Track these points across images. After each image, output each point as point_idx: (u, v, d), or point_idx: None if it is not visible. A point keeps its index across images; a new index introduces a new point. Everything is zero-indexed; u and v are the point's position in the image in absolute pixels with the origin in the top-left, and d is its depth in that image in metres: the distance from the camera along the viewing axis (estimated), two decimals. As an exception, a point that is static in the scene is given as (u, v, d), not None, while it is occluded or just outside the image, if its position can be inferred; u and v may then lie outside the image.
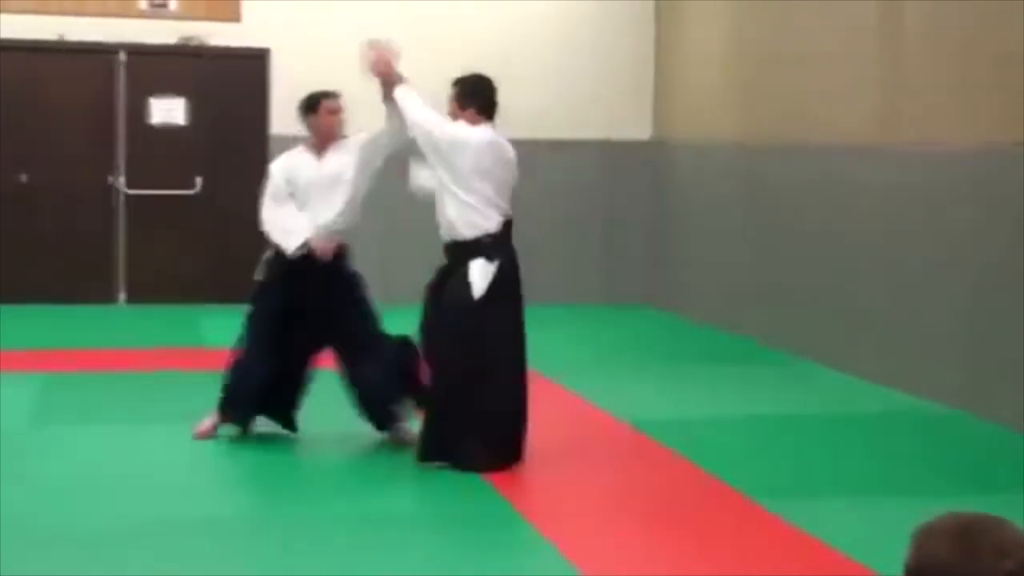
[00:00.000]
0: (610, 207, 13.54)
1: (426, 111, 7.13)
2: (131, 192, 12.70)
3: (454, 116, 7.13)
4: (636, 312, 13.03)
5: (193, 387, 8.91)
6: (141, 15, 12.56)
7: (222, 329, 11.37)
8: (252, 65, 12.78)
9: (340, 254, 7.46)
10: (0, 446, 7.15)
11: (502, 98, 13.12)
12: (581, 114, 13.39)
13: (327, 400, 7.63)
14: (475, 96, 7.16)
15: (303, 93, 12.61)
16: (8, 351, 9.86)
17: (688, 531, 5.99)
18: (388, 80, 7.20)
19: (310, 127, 7.63)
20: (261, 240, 12.81)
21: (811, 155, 10.49)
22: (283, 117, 12.75)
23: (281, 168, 7.61)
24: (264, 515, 6.23)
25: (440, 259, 7.25)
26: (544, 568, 5.47)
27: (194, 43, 12.65)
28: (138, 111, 12.70)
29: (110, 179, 12.67)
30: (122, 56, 12.62)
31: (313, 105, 7.80)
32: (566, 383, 9.29)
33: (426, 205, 7.33)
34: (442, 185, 6.98)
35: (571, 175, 13.41)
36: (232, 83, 12.85)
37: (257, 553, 5.58)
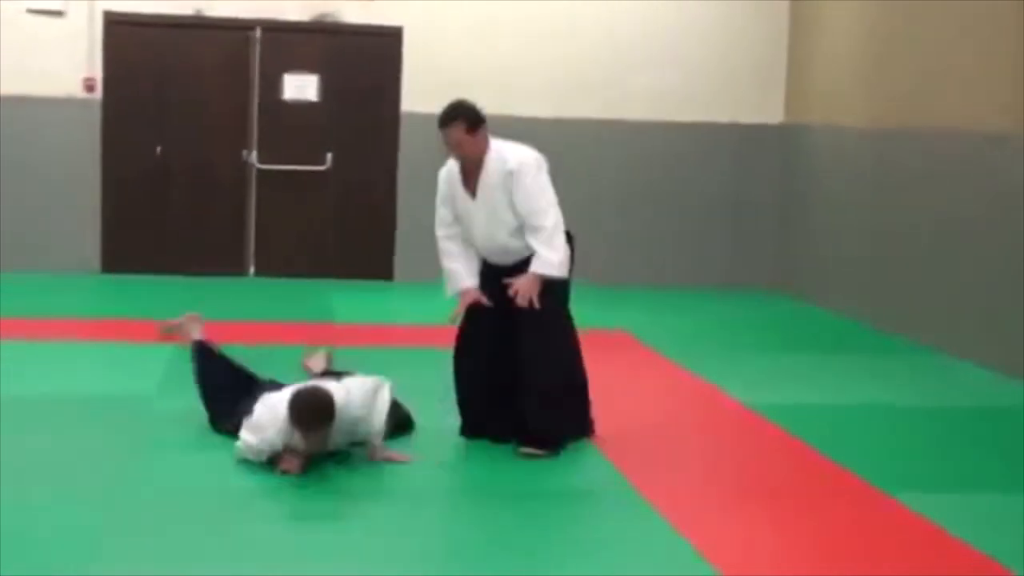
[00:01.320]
0: (739, 191, 13.44)
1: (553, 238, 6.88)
2: (263, 167, 12.87)
3: (465, 145, 6.86)
4: (763, 297, 12.94)
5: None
6: (277, -8, 12.72)
7: (349, 304, 11.55)
8: (385, 43, 12.87)
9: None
10: (127, 414, 7.32)
11: (633, 79, 13.16)
12: (711, 97, 13.29)
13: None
14: (477, 117, 6.95)
15: (434, 71, 12.83)
16: (139, 321, 10.03)
17: (805, 513, 5.96)
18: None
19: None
20: (387, 217, 13.00)
21: (943, 141, 10.31)
22: (414, 95, 12.88)
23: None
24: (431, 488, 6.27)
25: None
26: (661, 546, 5.46)
27: (328, 20, 12.77)
28: (272, 87, 12.85)
29: (243, 153, 12.84)
30: (257, 32, 12.77)
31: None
32: (689, 365, 9.25)
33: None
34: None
35: (700, 158, 13.33)
36: (364, 60, 12.95)
37: (428, 520, 5.64)
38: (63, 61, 12.47)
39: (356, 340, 9.93)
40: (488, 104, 12.87)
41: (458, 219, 6.95)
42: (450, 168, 6.99)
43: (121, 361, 8.88)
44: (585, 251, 13.16)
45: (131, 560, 5.13)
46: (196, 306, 11.14)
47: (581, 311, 11.58)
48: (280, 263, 12.93)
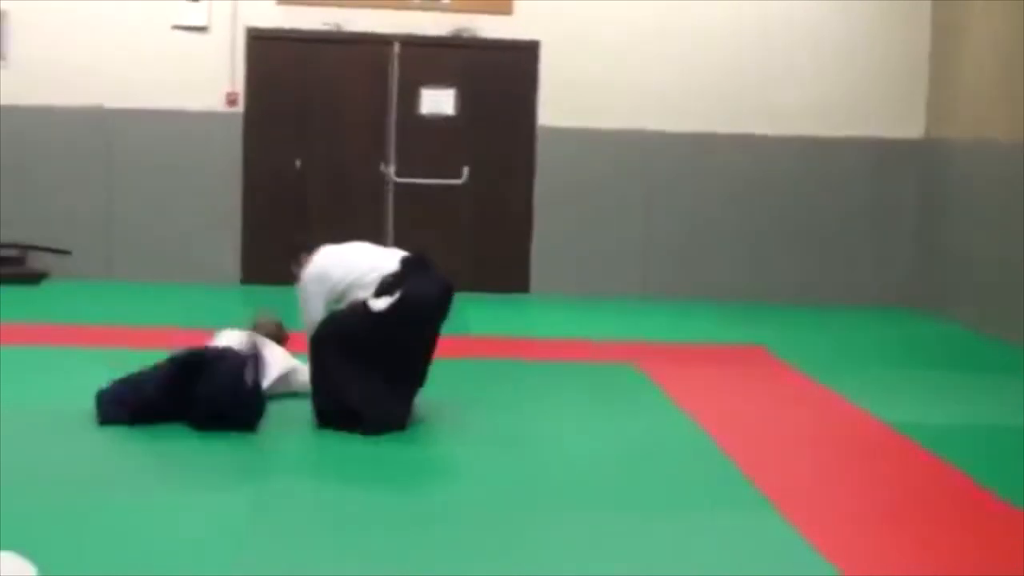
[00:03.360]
0: (877, 207, 13.23)
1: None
2: (400, 180, 12.97)
3: None
4: (902, 314, 12.73)
5: (458, 373, 9.06)
6: (416, 7, 12.81)
7: (485, 318, 11.58)
8: (522, 57, 12.90)
9: None
10: (282, 417, 7.41)
11: (767, 93, 13.01)
12: (848, 111, 13.10)
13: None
14: None
15: (572, 85, 12.84)
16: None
17: (946, 534, 5.83)
18: None
19: None
20: (523, 230, 13.03)
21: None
22: (551, 109, 12.90)
23: None
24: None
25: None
26: (790, 555, 5.39)
27: (466, 35, 12.83)
28: (409, 101, 12.95)
29: (381, 167, 12.96)
30: (396, 47, 12.88)
31: None
32: (827, 382, 9.12)
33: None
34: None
35: (837, 174, 13.15)
36: (502, 74, 12.99)
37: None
38: (206, 76, 12.69)
39: (492, 352, 9.95)
40: (621, 118, 13.00)
41: None
42: None
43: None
44: (715, 267, 13.15)
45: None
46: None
47: (715, 327, 11.57)
48: (416, 276, 12.99)
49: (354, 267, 7.37)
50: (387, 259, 7.39)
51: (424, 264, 7.48)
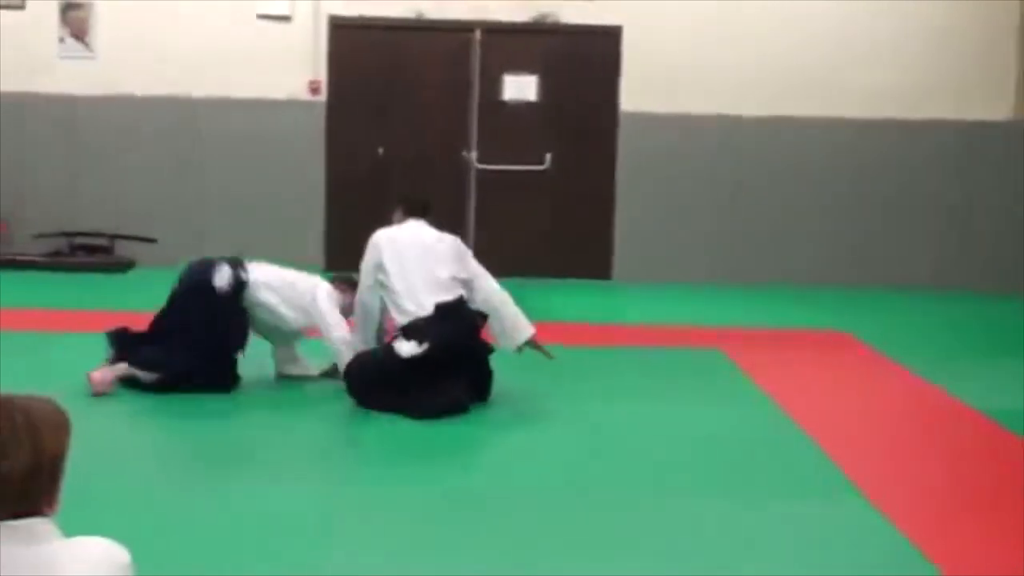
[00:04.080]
0: (962, 190, 13.05)
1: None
2: (482, 167, 12.97)
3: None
4: (989, 299, 12.55)
5: (538, 360, 9.04)
6: (497, -7, 12.82)
7: (568, 304, 11.57)
8: (604, 42, 12.86)
9: None
10: (354, 409, 7.44)
11: (850, 76, 12.86)
12: (934, 93, 12.93)
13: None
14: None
15: (655, 70, 12.78)
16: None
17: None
18: None
19: None
20: (606, 216, 12.99)
21: None
22: (634, 95, 12.85)
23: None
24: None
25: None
26: (883, 544, 5.33)
27: (548, 21, 12.81)
28: (492, 87, 12.95)
29: (463, 153, 12.97)
30: (478, 34, 12.88)
31: None
32: (915, 368, 9.02)
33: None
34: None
35: (922, 157, 12.98)
36: (584, 60, 12.95)
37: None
38: (290, 64, 12.76)
39: (575, 339, 9.92)
40: (704, 103, 12.92)
41: None
42: None
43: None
44: (799, 252, 13.04)
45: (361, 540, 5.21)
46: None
47: (801, 312, 11.48)
48: (499, 263, 12.96)
49: (400, 272, 7.59)
50: (429, 289, 7.52)
51: (457, 310, 7.52)
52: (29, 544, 2.48)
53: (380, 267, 7.66)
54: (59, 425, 2.56)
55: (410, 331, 7.32)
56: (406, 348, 7.27)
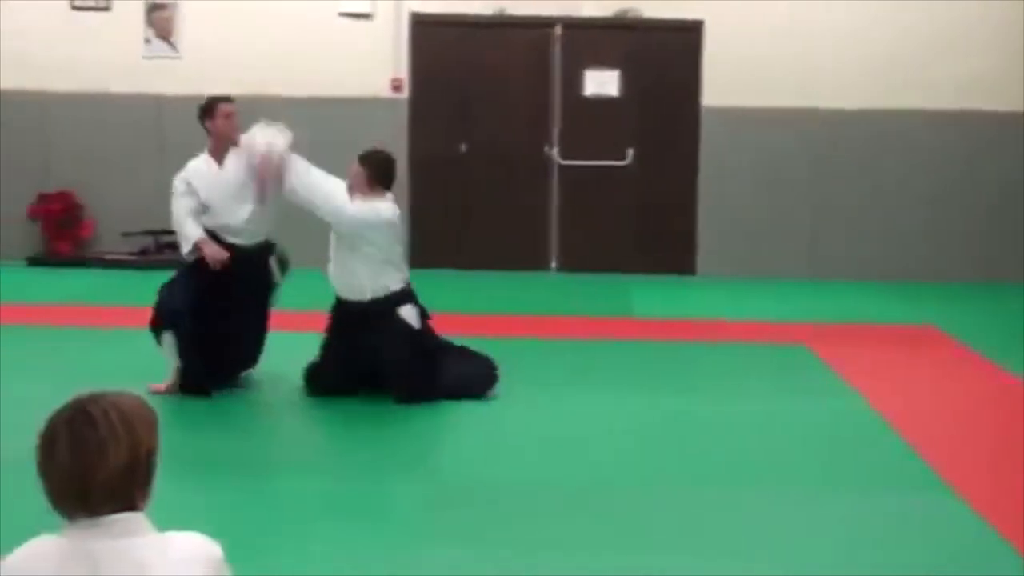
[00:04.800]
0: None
1: (330, 193, 7.73)
2: (564, 162, 12.96)
3: (361, 191, 7.62)
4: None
5: (622, 355, 9.05)
6: (578, -11, 12.79)
7: (651, 299, 11.54)
8: (685, 37, 12.79)
9: (254, 258, 7.78)
10: (444, 406, 7.47)
11: (939, 68, 12.69)
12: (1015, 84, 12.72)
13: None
14: (384, 177, 7.74)
15: (736, 64, 12.70)
16: (445, 314, 10.22)
17: None
18: (278, 180, 7.74)
19: (208, 131, 7.93)
20: (688, 211, 12.94)
21: None
22: (716, 89, 12.78)
23: (184, 175, 7.83)
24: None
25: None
26: (973, 539, 5.27)
27: (629, 15, 12.77)
28: (573, 83, 12.93)
29: (545, 149, 12.97)
30: (559, 29, 12.87)
31: (209, 109, 8.01)
32: (1004, 362, 8.90)
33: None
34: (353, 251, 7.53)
35: (1010, 148, 12.77)
36: (665, 55, 12.90)
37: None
38: (371, 62, 12.82)
39: (658, 334, 9.90)
40: (786, 97, 12.80)
41: None
42: None
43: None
44: (886, 246, 12.90)
45: (459, 536, 5.22)
46: (499, 301, 11.38)
47: (886, 306, 11.36)
48: (582, 258, 13.00)
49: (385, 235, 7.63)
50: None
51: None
52: (125, 538, 2.51)
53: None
54: (151, 421, 2.59)
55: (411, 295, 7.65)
56: (411, 317, 7.55)
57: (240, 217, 7.76)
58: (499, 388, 7.68)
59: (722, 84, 12.77)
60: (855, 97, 12.73)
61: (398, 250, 7.76)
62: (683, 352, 9.31)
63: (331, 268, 7.67)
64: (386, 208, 7.63)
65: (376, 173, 7.71)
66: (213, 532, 2.66)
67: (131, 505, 2.53)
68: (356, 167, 7.69)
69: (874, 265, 12.83)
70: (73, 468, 2.47)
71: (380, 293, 7.51)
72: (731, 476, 6.26)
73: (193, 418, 7.11)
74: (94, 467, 2.47)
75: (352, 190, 7.62)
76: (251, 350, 7.79)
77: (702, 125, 12.87)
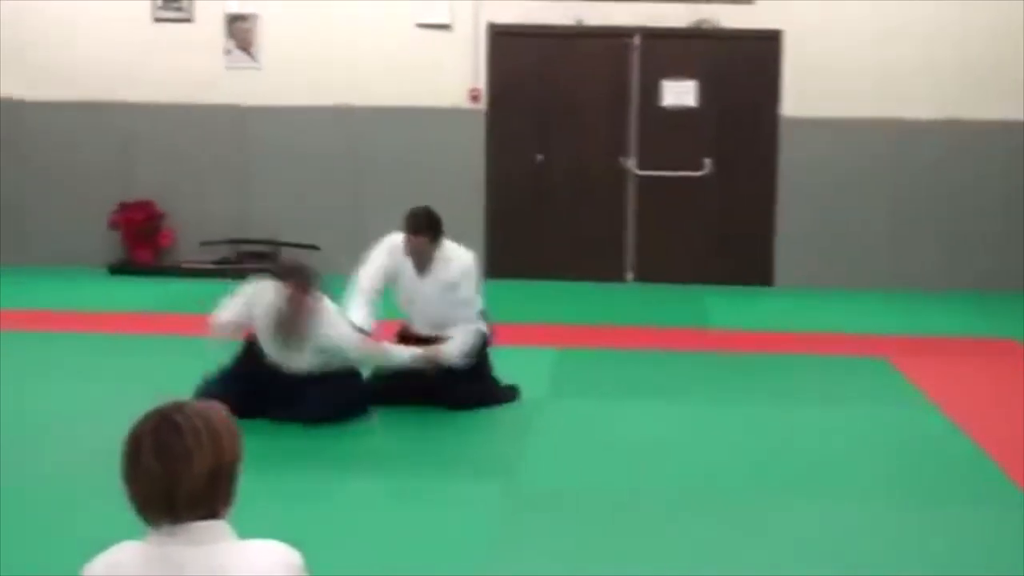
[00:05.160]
0: None
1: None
2: (641, 173, 12.93)
3: (430, 256, 7.63)
4: None
5: (698, 367, 9.02)
6: (656, -1, 12.77)
7: (728, 310, 11.48)
8: (764, 47, 12.73)
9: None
10: (524, 415, 7.49)
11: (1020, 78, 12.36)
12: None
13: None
14: (439, 230, 7.67)
15: (816, 74, 12.62)
16: (521, 324, 10.24)
17: None
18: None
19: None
20: (766, 222, 12.87)
21: None
22: (795, 99, 12.71)
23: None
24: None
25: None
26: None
27: (707, 26, 12.72)
28: (650, 93, 12.91)
29: (622, 160, 12.95)
30: (636, 39, 12.85)
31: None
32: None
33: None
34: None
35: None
36: (744, 65, 12.84)
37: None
38: (450, 73, 12.87)
39: (735, 346, 9.85)
40: (867, 107, 12.70)
41: (399, 289, 7.76)
42: (396, 245, 7.70)
43: (507, 364, 9.03)
44: (970, 257, 12.75)
45: (532, 542, 5.24)
46: (575, 311, 11.37)
47: (967, 319, 11.23)
48: (658, 269, 12.97)
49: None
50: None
51: None
52: (208, 545, 2.54)
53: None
54: (234, 431, 2.62)
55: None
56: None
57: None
58: (575, 397, 7.67)
59: (801, 93, 12.69)
60: (936, 106, 12.60)
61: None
62: (760, 364, 9.25)
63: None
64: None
65: (437, 233, 7.65)
66: (288, 533, 2.69)
67: (213, 513, 2.56)
68: (414, 239, 7.57)
69: (956, 276, 12.69)
70: (159, 476, 2.51)
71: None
72: (808, 488, 6.22)
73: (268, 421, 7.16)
74: (180, 475, 2.50)
75: (420, 263, 7.64)
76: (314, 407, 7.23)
77: (780, 135, 12.81)
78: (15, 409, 7.33)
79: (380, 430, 7.24)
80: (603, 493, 6.06)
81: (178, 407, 2.57)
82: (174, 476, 2.50)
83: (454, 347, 7.52)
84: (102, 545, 2.62)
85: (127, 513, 2.57)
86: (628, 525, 5.62)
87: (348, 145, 12.97)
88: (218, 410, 2.62)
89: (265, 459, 6.17)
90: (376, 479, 6.27)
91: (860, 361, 9.21)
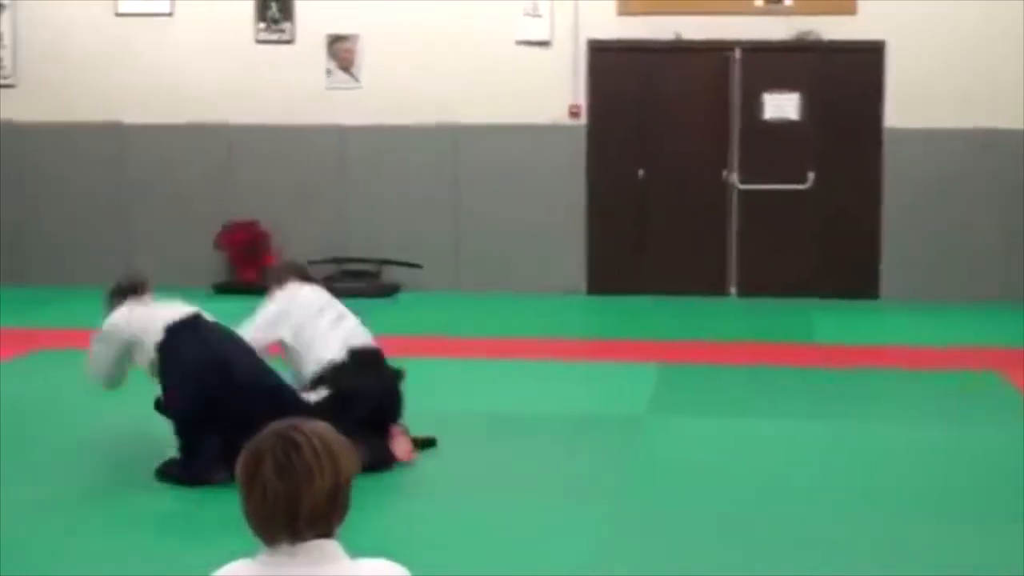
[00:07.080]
0: None
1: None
2: (743, 187, 12.84)
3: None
4: None
5: (803, 382, 8.92)
6: (757, 11, 12.66)
7: (833, 325, 11.35)
8: (867, 58, 12.59)
9: None
10: (620, 432, 7.44)
11: None
12: None
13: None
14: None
15: (920, 85, 12.45)
16: (625, 341, 10.21)
17: None
18: None
19: None
20: (871, 234, 12.70)
21: None
22: (898, 110, 12.55)
23: None
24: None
25: None
26: None
27: (810, 38, 12.60)
28: (752, 106, 12.81)
29: (723, 174, 12.86)
30: (737, 53, 12.76)
31: None
32: None
33: None
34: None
35: None
36: (846, 77, 12.70)
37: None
38: (550, 89, 12.86)
39: (841, 361, 9.73)
40: (972, 117, 12.44)
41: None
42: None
43: (609, 380, 9.03)
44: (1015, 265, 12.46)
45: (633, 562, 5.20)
46: (677, 326, 11.31)
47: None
48: (762, 283, 12.85)
49: (307, 325, 7.16)
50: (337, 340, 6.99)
51: (375, 360, 7.03)
52: (320, 565, 2.55)
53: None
54: (349, 449, 2.62)
55: (316, 381, 6.87)
56: (311, 396, 6.71)
57: None
58: (678, 414, 7.59)
59: (905, 105, 12.53)
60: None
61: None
62: (867, 379, 9.14)
63: None
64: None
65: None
66: (404, 553, 2.68)
67: (329, 529, 2.57)
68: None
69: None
70: (281, 494, 2.52)
71: None
72: (914, 505, 6.11)
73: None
74: (301, 493, 2.52)
75: None
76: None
77: (885, 147, 12.65)
78: (136, 428, 7.40)
79: (471, 454, 7.23)
80: (707, 517, 5.99)
81: (295, 427, 2.59)
82: (296, 494, 2.52)
83: None
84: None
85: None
86: (729, 551, 5.55)
87: (448, 163, 13.01)
88: (331, 429, 2.63)
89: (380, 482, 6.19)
90: (482, 501, 6.26)
91: (970, 375, 9.04)
